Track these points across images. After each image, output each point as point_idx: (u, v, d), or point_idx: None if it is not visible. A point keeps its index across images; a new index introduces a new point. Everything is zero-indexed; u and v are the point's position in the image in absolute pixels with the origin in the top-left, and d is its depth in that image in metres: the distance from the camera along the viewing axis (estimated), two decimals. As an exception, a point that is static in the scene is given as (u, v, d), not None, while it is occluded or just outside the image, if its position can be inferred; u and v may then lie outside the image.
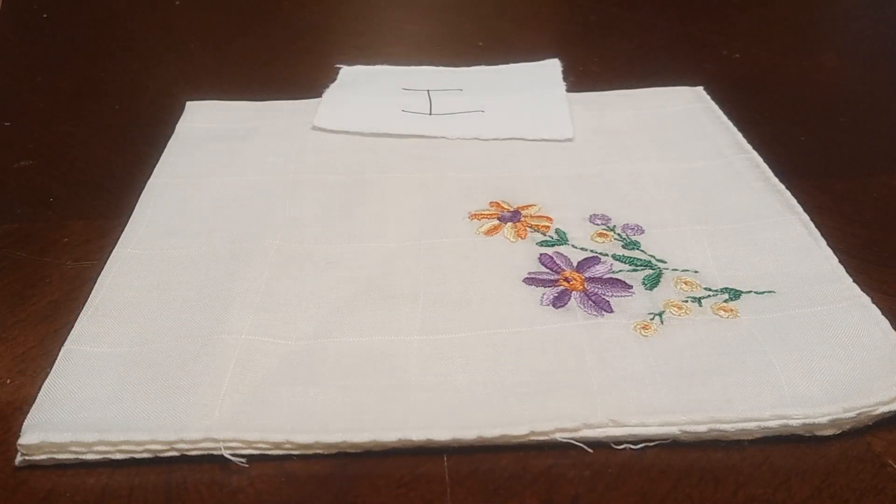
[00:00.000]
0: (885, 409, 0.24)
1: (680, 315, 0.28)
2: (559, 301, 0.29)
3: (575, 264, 0.31)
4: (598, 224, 0.34)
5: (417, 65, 0.50)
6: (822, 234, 0.32)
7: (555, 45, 0.54)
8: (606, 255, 0.32)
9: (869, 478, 0.23)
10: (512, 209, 0.35)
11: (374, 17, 0.61)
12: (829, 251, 0.31)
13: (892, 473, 0.23)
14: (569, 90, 0.46)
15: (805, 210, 0.34)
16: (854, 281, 0.29)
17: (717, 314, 0.28)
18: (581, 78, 0.48)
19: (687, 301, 0.29)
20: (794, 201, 0.34)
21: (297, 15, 0.60)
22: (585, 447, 0.24)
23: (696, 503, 0.22)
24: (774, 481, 0.23)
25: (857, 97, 0.45)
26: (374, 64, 0.50)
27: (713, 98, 0.44)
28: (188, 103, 0.44)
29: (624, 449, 0.24)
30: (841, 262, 0.30)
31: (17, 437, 0.24)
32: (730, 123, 0.41)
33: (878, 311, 0.28)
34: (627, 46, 0.54)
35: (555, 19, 0.62)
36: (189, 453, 0.24)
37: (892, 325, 0.27)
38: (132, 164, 0.39)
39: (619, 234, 0.33)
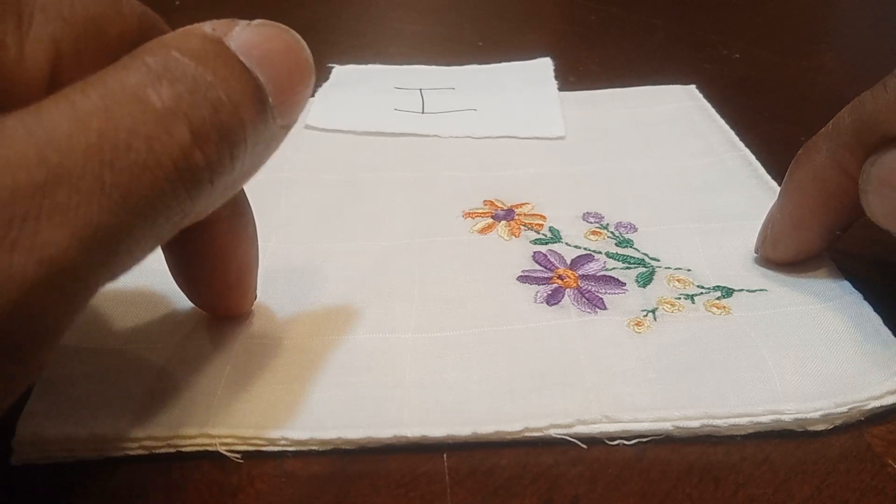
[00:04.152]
0: (877, 403, 0.24)
1: (673, 312, 0.28)
2: (553, 298, 0.29)
3: (569, 262, 0.31)
4: (591, 222, 0.34)
5: (417, 65, 0.50)
6: None
7: (555, 45, 0.54)
8: (600, 252, 0.32)
9: (869, 478, 0.23)
10: (506, 208, 0.35)
11: (374, 17, 0.61)
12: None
13: (892, 473, 0.23)
14: (569, 90, 0.46)
15: (805, 210, 0.34)
16: (853, 281, 0.29)
17: (709, 311, 0.28)
18: (581, 78, 0.48)
19: (680, 298, 0.29)
20: None
21: (297, 15, 0.60)
22: (580, 443, 0.24)
23: (695, 503, 0.22)
24: (774, 481, 0.23)
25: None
26: (374, 64, 0.50)
27: (713, 98, 0.44)
28: None
29: (618, 445, 0.24)
30: (840, 262, 0.30)
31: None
32: (722, 121, 0.41)
33: (869, 308, 0.28)
34: (627, 46, 0.54)
35: (555, 19, 0.62)
36: (184, 449, 0.24)
37: (886, 327, 0.27)
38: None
39: (612, 232, 0.33)
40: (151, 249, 0.18)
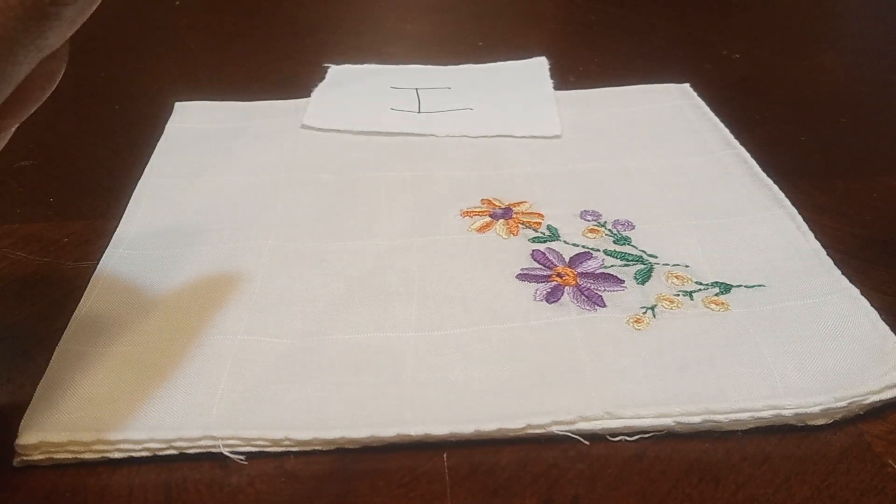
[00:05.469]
0: (876, 398, 0.24)
1: (672, 309, 0.29)
2: (552, 296, 0.29)
3: (567, 260, 0.32)
4: (589, 220, 0.34)
5: (415, 64, 0.50)
6: (823, 234, 0.32)
7: (555, 46, 0.54)
8: (598, 250, 0.32)
9: (869, 478, 0.23)
10: (503, 206, 0.35)
11: (373, 17, 0.61)
12: (818, 244, 0.31)
13: (892, 473, 0.23)
14: (569, 90, 0.46)
15: (805, 210, 0.34)
16: (850, 276, 0.29)
17: (708, 308, 0.29)
18: (581, 78, 0.49)
19: (678, 295, 0.29)
20: (781, 195, 0.34)
21: (298, 15, 0.60)
22: (582, 440, 0.24)
23: (695, 503, 0.22)
24: (774, 481, 0.23)
25: (857, 97, 0.46)
26: (374, 64, 0.50)
27: (713, 98, 0.44)
28: (177, 104, 0.44)
29: (620, 441, 0.24)
30: (841, 262, 0.30)
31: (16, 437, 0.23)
32: (716, 119, 0.42)
33: (866, 303, 0.28)
34: (627, 46, 0.54)
35: (555, 19, 0.62)
36: (188, 451, 0.24)
37: (884, 322, 0.27)
38: (132, 165, 0.39)
39: (610, 230, 0.33)
40: (14, 86, 0.19)
